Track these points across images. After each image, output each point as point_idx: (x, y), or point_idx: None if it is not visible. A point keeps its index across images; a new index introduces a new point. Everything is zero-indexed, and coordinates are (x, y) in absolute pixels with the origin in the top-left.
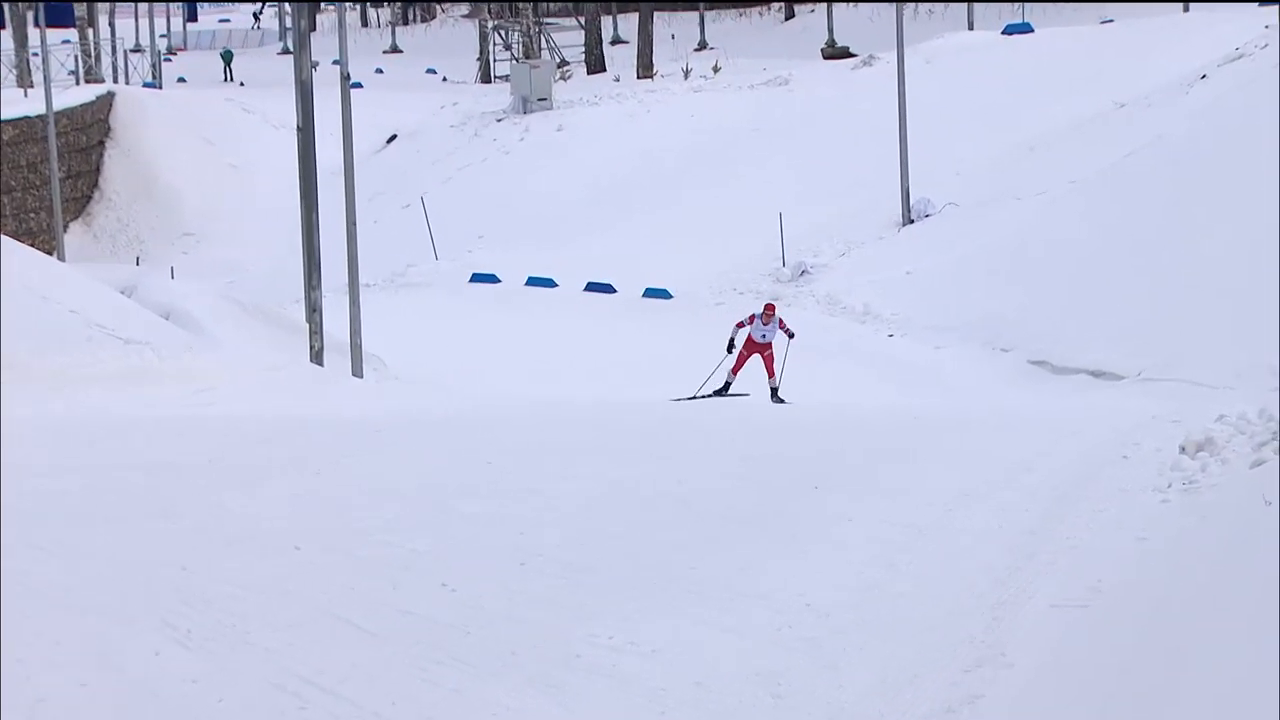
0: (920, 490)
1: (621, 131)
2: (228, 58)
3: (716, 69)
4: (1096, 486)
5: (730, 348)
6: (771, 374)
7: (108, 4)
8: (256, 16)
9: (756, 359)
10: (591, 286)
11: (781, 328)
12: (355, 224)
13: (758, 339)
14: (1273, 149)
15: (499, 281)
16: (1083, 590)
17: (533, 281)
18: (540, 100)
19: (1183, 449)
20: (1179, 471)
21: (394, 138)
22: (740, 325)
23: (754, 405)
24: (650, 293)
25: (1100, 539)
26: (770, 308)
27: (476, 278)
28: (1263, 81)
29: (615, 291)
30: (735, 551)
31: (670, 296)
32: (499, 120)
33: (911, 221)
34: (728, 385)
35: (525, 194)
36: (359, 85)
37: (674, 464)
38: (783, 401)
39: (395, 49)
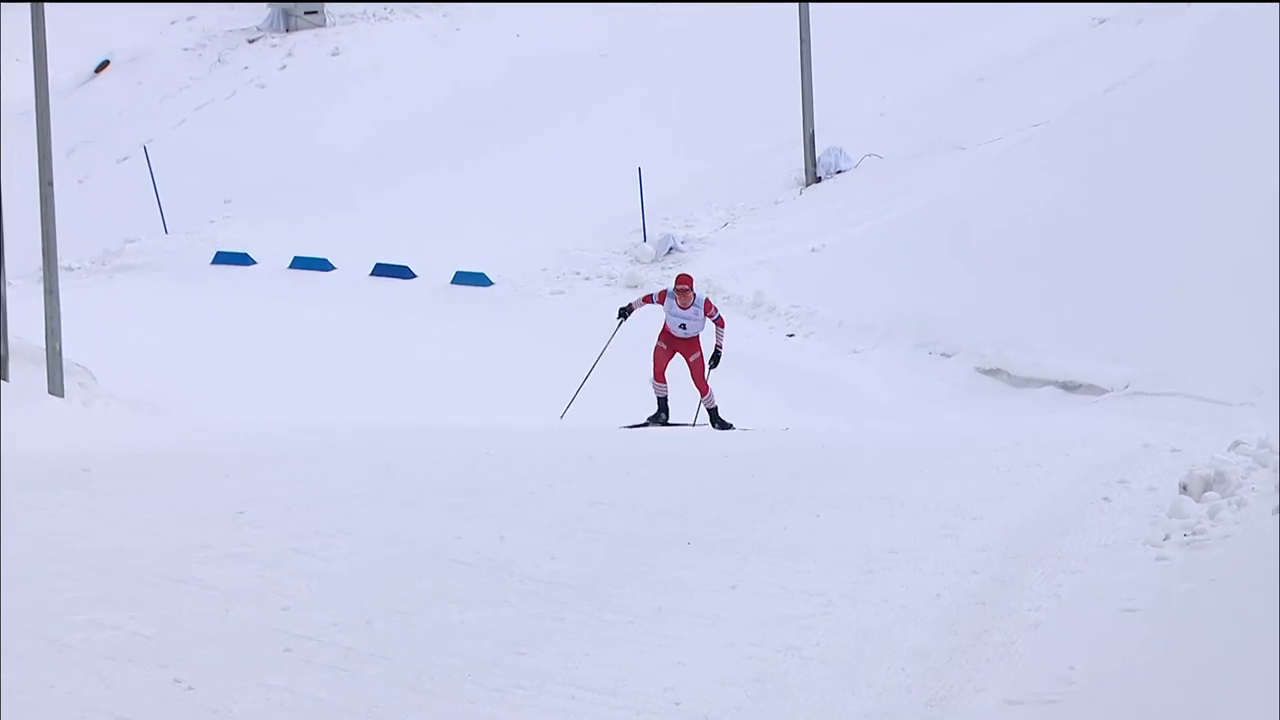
0: (830, 547)
1: (421, 58)
2: None
3: None
4: (1069, 540)
5: (623, 313)
6: (703, 388)
7: None
8: None
9: (680, 363)
10: (381, 270)
11: (709, 314)
12: (52, 184)
13: (676, 330)
14: None
15: (253, 263)
16: (1049, 681)
17: (300, 263)
18: (309, 14)
19: (1184, 488)
20: (1179, 518)
21: (105, 65)
22: (648, 300)
23: (611, 435)
24: (462, 278)
25: (1073, 611)
26: (685, 280)
27: (222, 258)
28: None
29: (414, 276)
30: (576, 632)
31: (490, 283)
32: (251, 41)
33: (819, 180)
34: (663, 405)
35: (289, 144)
36: None
37: (493, 515)
38: (729, 426)
39: None
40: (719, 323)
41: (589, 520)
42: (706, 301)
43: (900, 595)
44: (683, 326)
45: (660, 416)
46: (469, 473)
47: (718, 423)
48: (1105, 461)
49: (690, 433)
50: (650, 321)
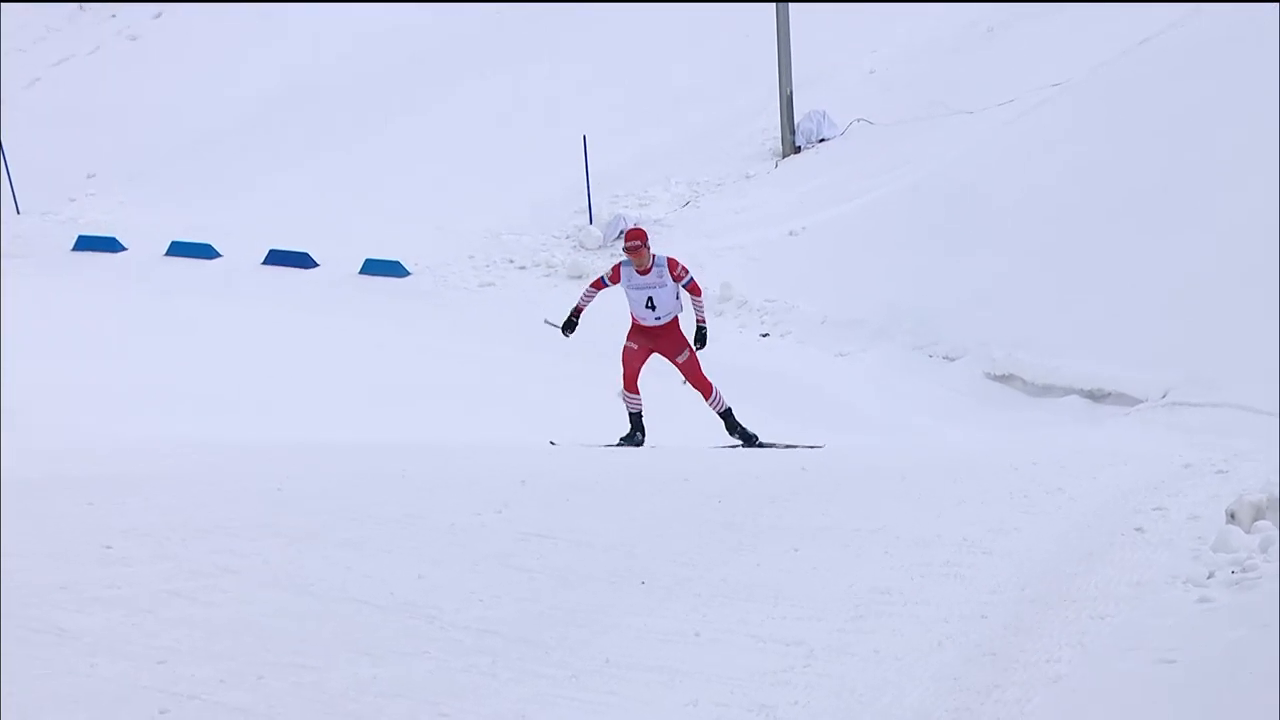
0: (811, 588)
1: (320, 4)
2: None
3: None
4: (1094, 578)
5: (569, 325)
6: (706, 388)
7: None
8: None
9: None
10: (276, 257)
11: (675, 275)
12: None
13: (644, 317)
14: None
15: (123, 249)
16: None
17: (179, 249)
18: None
19: (1232, 516)
20: (1226, 552)
21: None
22: (598, 285)
23: (550, 455)
24: (373, 267)
25: (1101, 663)
26: (636, 235)
27: (85, 243)
28: None
29: (315, 265)
30: (510, 689)
31: (406, 273)
32: None
33: (798, 150)
34: (636, 421)
35: (164, 107)
36: None
37: (409, 549)
38: (754, 438)
39: None
40: (693, 289)
41: (524, 556)
42: (670, 261)
43: (895, 645)
44: (650, 305)
45: (636, 437)
46: (380, 499)
47: (736, 431)
48: (1139, 485)
49: (643, 453)
50: (618, 317)
